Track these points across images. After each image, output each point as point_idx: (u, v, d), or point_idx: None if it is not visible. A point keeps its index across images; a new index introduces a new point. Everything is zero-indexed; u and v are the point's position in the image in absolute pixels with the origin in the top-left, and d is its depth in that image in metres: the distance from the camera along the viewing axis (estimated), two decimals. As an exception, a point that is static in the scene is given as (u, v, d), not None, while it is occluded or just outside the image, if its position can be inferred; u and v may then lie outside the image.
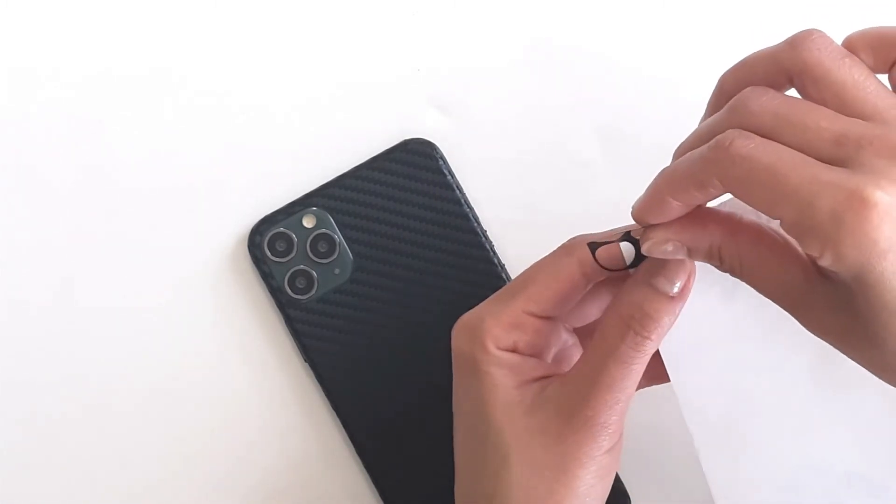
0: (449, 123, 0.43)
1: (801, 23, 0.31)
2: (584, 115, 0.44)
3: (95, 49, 0.43)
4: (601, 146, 0.44)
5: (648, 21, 0.44)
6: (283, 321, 0.42)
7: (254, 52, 0.44)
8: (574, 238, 0.35)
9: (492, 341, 0.34)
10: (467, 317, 0.35)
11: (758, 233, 0.31)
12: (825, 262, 0.28)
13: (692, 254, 0.32)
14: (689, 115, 0.44)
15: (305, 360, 0.42)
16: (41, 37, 0.43)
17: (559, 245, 0.35)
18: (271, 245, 0.41)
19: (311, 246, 0.41)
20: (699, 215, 0.32)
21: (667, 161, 0.44)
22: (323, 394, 0.42)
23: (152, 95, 0.43)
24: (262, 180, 0.43)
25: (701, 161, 0.30)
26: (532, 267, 0.35)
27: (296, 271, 0.41)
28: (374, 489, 0.41)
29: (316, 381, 0.42)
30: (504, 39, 0.44)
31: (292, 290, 0.41)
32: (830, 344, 0.30)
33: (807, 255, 0.30)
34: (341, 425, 0.42)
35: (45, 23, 0.43)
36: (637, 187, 0.44)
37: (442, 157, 0.42)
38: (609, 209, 0.43)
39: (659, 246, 0.32)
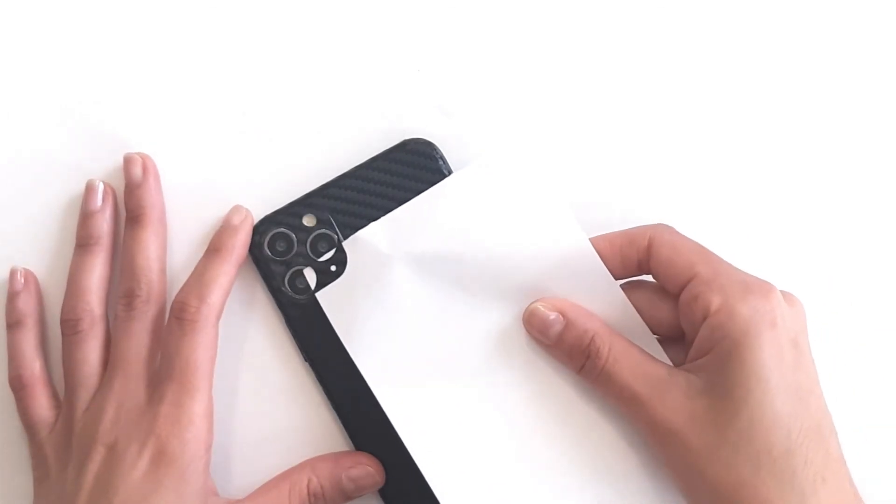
0: (449, 123, 0.43)
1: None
2: (584, 115, 0.44)
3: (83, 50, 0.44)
4: (601, 146, 0.44)
5: (649, 22, 0.44)
6: (283, 321, 0.42)
7: (253, 53, 0.44)
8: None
9: None
10: None
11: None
12: (719, 316, 0.35)
13: (568, 328, 0.38)
14: (689, 117, 0.44)
15: (305, 360, 0.42)
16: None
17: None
18: (271, 245, 0.41)
19: (310, 246, 0.41)
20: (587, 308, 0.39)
21: (664, 158, 0.44)
22: (323, 394, 0.42)
23: (152, 97, 0.43)
24: (262, 180, 0.43)
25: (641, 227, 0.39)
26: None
27: (295, 271, 0.41)
28: (375, 490, 0.41)
29: (316, 381, 0.42)
30: (504, 39, 0.44)
31: (292, 290, 0.41)
32: (666, 435, 0.35)
33: (695, 312, 0.36)
34: (341, 425, 0.42)
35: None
36: (635, 186, 0.44)
37: (442, 157, 0.42)
38: (608, 207, 0.43)
39: (547, 310, 0.38)
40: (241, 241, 0.41)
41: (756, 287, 0.36)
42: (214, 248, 0.41)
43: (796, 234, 0.44)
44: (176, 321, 0.39)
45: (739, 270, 0.37)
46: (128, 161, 0.42)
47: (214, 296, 0.39)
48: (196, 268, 0.40)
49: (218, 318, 0.40)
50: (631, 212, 0.42)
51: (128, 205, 0.42)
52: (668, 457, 0.36)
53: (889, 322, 0.43)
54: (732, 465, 0.34)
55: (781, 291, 0.36)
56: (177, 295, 0.39)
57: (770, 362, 0.34)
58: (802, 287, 0.38)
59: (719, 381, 0.35)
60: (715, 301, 0.35)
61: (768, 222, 0.44)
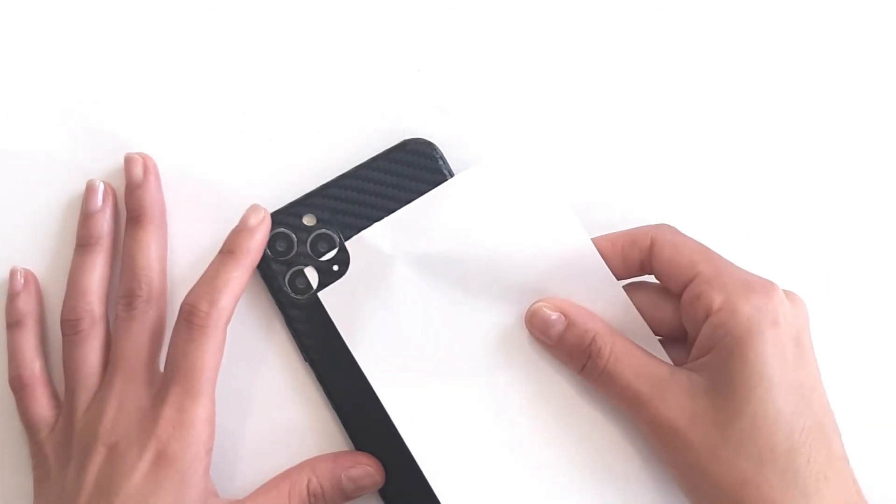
0: (449, 123, 0.43)
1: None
2: (584, 115, 0.44)
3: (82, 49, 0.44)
4: (601, 146, 0.44)
5: (649, 22, 0.44)
6: (283, 321, 0.42)
7: (253, 53, 0.44)
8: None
9: None
10: None
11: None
12: (721, 314, 0.35)
13: (569, 328, 0.38)
14: (689, 116, 0.44)
15: (305, 360, 0.42)
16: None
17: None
18: (271, 245, 0.41)
19: (311, 246, 0.41)
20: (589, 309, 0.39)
21: (664, 158, 0.44)
22: (323, 394, 0.42)
23: (152, 97, 0.43)
24: (262, 180, 0.43)
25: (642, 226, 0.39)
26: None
27: (296, 271, 0.41)
28: (375, 490, 0.41)
29: (316, 381, 0.42)
30: (504, 39, 0.44)
31: (292, 290, 0.41)
32: (668, 434, 0.35)
33: (697, 310, 0.36)
34: (341, 425, 0.42)
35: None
36: (635, 186, 0.44)
37: (442, 157, 0.42)
38: (608, 207, 0.43)
39: (549, 311, 0.38)
40: (256, 245, 0.40)
41: (758, 286, 0.36)
42: (229, 249, 0.40)
43: (796, 233, 0.44)
44: (185, 324, 0.38)
45: (742, 269, 0.37)
46: (128, 161, 0.42)
47: (225, 300, 0.39)
48: (208, 269, 0.40)
49: (227, 322, 0.39)
50: (631, 212, 0.42)
51: (128, 205, 0.42)
52: (671, 456, 0.36)
53: (889, 322, 0.43)
54: (735, 463, 0.34)
55: (784, 290, 0.36)
56: (187, 296, 0.39)
57: (772, 360, 0.34)
58: (803, 287, 0.38)
59: (721, 379, 0.35)
60: (717, 299, 0.35)
61: (768, 222, 0.44)
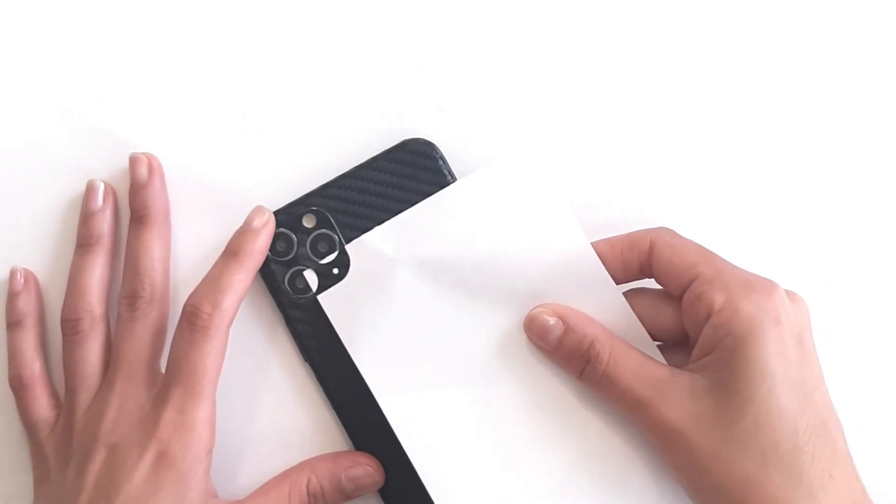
0: (449, 123, 0.43)
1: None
2: (584, 115, 0.44)
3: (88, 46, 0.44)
4: (601, 146, 0.44)
5: (649, 22, 0.44)
6: (283, 321, 0.42)
7: (254, 53, 0.44)
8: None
9: None
10: None
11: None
12: (723, 314, 0.35)
13: (567, 333, 0.38)
14: (689, 116, 0.44)
15: (305, 360, 0.42)
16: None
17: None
18: (271, 245, 0.41)
19: (311, 246, 0.41)
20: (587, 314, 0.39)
21: (664, 158, 0.44)
22: (323, 394, 0.42)
23: (152, 97, 0.43)
24: (262, 180, 0.43)
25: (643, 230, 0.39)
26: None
27: (296, 271, 0.41)
28: (375, 489, 0.41)
29: (316, 381, 0.42)
30: (504, 39, 0.44)
31: (292, 290, 0.41)
32: (671, 436, 0.35)
33: (698, 311, 0.36)
34: (341, 425, 0.42)
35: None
36: (635, 187, 0.44)
37: (442, 157, 0.42)
38: (608, 207, 0.43)
39: (546, 315, 0.38)
40: (260, 246, 0.40)
41: (759, 285, 0.35)
42: (232, 251, 0.40)
43: (796, 234, 0.44)
44: (187, 325, 0.38)
45: (742, 269, 0.37)
46: (134, 161, 0.42)
47: (228, 302, 0.39)
48: (211, 270, 0.40)
49: (230, 324, 0.39)
50: (631, 212, 0.42)
51: (133, 205, 0.42)
52: (673, 458, 0.36)
53: (889, 322, 0.43)
54: (738, 462, 0.34)
55: (785, 290, 0.36)
56: (190, 297, 0.39)
57: (775, 359, 0.34)
58: (803, 287, 0.38)
59: (724, 378, 0.35)
60: (718, 299, 0.35)
61: (768, 223, 0.44)
